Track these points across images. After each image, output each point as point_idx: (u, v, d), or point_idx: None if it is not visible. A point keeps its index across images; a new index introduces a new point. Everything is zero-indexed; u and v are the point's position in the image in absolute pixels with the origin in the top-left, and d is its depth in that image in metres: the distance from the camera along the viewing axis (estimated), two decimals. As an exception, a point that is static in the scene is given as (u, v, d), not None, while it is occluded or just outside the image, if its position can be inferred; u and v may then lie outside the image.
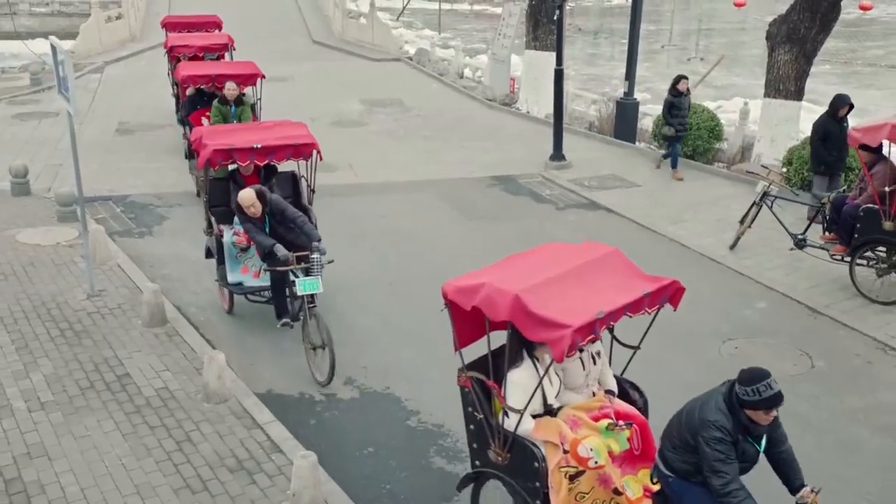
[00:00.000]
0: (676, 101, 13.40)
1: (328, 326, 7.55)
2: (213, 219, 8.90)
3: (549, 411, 5.21)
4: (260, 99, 13.52)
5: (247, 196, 7.90)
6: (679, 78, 13.58)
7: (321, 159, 8.91)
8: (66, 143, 14.87)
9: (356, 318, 8.94)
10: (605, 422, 5.10)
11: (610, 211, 12.51)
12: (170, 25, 17.89)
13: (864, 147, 9.20)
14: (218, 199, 9.01)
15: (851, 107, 10.92)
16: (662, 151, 14.50)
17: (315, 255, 7.70)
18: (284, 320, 8.17)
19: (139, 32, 26.99)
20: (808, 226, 10.20)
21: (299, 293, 7.68)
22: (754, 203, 10.62)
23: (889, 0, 52.39)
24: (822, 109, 22.78)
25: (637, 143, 16.18)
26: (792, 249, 10.19)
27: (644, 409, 5.56)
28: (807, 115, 18.53)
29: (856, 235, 9.35)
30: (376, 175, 14.05)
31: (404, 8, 41.19)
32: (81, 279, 9.43)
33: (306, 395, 7.62)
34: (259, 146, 8.49)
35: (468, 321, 5.30)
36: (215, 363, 7.14)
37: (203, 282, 9.71)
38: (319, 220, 8.93)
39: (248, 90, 13.03)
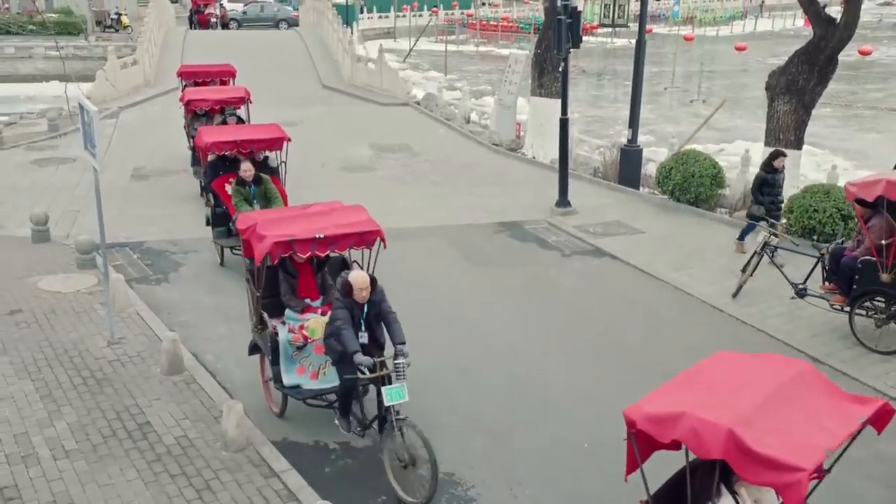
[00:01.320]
0: (770, 179, 12.17)
1: (426, 437, 6.85)
2: (265, 315, 8.13)
3: None
4: (284, 163, 12.79)
5: (363, 279, 7.24)
6: (776, 154, 12.31)
7: (385, 247, 8.12)
8: (83, 190, 15.36)
9: (368, 366, 9.15)
10: None
11: (615, 258, 12.78)
12: (185, 75, 18.49)
13: (860, 201, 9.48)
14: (267, 290, 8.18)
15: None
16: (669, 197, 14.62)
17: (401, 360, 7.03)
18: (351, 424, 7.55)
19: (153, 77, 27.57)
20: (809, 275, 10.45)
21: (386, 404, 6.91)
22: (756, 252, 10.90)
23: (889, 43, 53.13)
24: (822, 153, 23.19)
25: (641, 189, 16.53)
26: (793, 298, 10.43)
27: None
28: (808, 159, 18.94)
29: (854, 286, 9.60)
30: (385, 221, 14.03)
31: (411, 50, 42.01)
32: (101, 327, 9.71)
33: (321, 443, 7.83)
34: (321, 236, 7.70)
35: (642, 446, 4.89)
36: (234, 412, 7.39)
37: (219, 329, 9.98)
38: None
39: (271, 155, 12.63)
